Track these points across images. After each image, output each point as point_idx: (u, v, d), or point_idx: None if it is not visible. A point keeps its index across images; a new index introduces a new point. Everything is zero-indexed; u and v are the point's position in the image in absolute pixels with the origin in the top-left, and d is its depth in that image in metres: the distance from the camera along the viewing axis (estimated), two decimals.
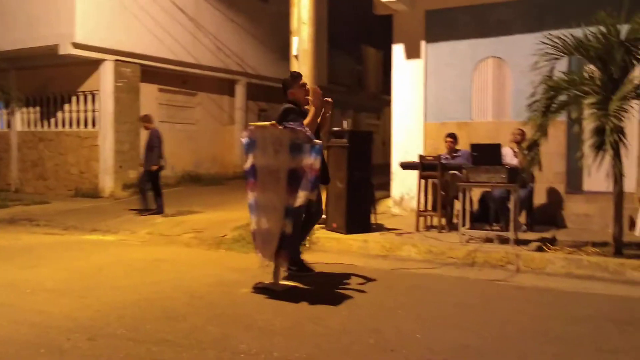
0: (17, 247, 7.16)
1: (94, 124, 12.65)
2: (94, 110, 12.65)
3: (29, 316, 4.20)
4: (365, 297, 4.82)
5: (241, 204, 8.74)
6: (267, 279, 4.96)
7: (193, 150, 14.83)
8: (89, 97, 12.72)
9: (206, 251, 7.03)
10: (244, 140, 4.91)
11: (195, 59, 14.12)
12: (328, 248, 6.96)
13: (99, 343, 3.63)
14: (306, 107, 5.33)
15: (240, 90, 16.10)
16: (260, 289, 4.90)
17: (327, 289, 5.12)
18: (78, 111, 12.89)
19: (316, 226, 7.59)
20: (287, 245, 4.79)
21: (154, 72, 13.38)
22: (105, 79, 12.32)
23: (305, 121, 5.08)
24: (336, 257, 6.48)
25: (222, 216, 8.93)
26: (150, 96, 13.62)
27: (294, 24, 8.55)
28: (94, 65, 12.27)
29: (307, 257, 6.50)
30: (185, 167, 14.40)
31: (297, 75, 5.64)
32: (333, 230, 7.33)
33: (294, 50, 8.58)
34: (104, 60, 12.19)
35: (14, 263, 6.12)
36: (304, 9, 8.30)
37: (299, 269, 5.44)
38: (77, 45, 11.56)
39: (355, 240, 6.94)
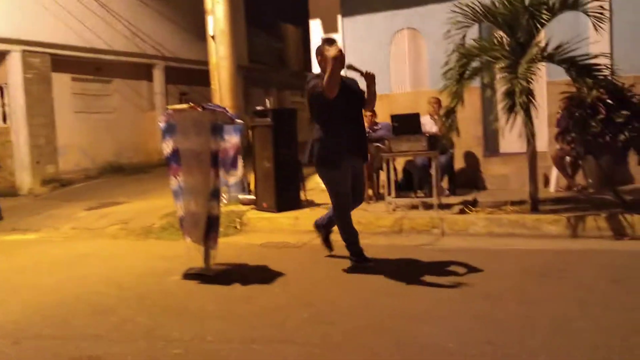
0: None
1: (4, 119, 11.98)
2: (3, 105, 11.97)
3: None
4: (298, 273, 4.87)
5: (167, 191, 8.54)
6: (199, 264, 4.91)
7: (113, 139, 14.32)
8: None
9: (134, 242, 6.86)
10: (161, 124, 4.80)
11: (108, 45, 13.59)
12: (259, 228, 6.95)
13: (25, 345, 3.50)
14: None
15: (158, 75, 15.63)
16: (191, 275, 4.84)
17: (259, 268, 5.12)
18: None
19: (246, 207, 7.62)
20: (215, 227, 4.77)
21: (65, 61, 12.77)
22: (13, 71, 11.67)
23: (323, 80, 4.52)
24: (268, 237, 6.48)
25: (149, 205, 8.73)
26: (63, 86, 13.01)
27: (208, 3, 8.38)
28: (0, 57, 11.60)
29: (239, 238, 6.51)
30: (106, 158, 13.91)
31: (326, 40, 4.88)
32: (264, 209, 7.33)
33: (210, 31, 8.43)
34: (10, 51, 11.52)
35: None
36: None
37: (359, 260, 4.89)
38: None
39: (287, 217, 6.97)
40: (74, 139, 13.14)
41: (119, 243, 6.86)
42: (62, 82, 12.97)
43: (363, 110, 5.08)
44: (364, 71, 4.79)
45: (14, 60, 11.63)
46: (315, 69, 9.28)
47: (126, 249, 6.45)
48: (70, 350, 3.37)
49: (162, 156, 14.98)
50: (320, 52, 4.79)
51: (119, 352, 3.30)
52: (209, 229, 4.78)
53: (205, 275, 4.78)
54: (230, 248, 5.80)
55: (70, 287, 4.79)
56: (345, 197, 4.80)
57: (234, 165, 4.78)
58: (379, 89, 8.64)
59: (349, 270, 4.81)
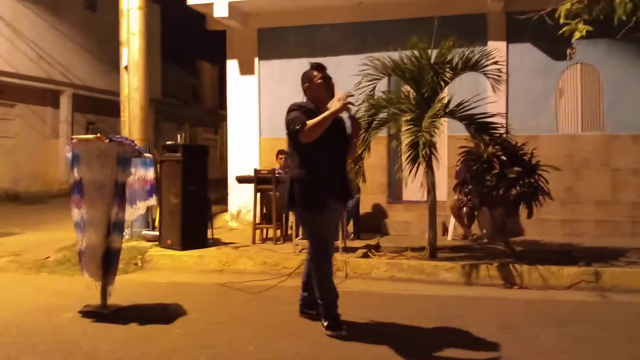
0: None
1: None
2: None
3: None
4: (198, 313, 4.78)
5: (66, 223, 8.17)
6: (95, 301, 4.72)
7: (11, 165, 13.58)
8: None
9: (25, 275, 6.47)
10: (67, 154, 4.65)
11: (13, 68, 13.02)
12: (162, 266, 6.78)
13: None
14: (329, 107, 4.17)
15: (65, 102, 15.11)
16: (86, 312, 4.64)
17: (159, 307, 4.98)
18: None
19: (149, 244, 7.42)
20: (114, 262, 4.63)
21: None
22: None
23: (310, 121, 3.98)
24: (171, 275, 6.34)
25: (45, 237, 8.29)
26: None
27: (124, 35, 8.29)
28: None
29: (140, 276, 6.32)
30: (1, 185, 13.13)
31: (317, 67, 4.37)
32: (167, 247, 7.16)
33: (123, 62, 8.31)
34: None
35: None
36: (134, 20, 8.09)
37: (332, 326, 4.15)
38: None
39: (191, 256, 6.85)
40: None
41: (7, 276, 6.44)
42: None
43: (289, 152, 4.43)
44: (355, 115, 4.31)
45: None
46: (231, 107, 9.39)
47: (15, 283, 6.07)
48: None
49: (63, 186, 14.41)
50: (308, 78, 4.34)
51: None
52: (108, 264, 4.62)
53: (101, 313, 4.60)
54: (130, 286, 5.62)
55: None
56: (327, 246, 4.24)
57: (150, 195, 4.70)
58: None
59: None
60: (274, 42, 9.17)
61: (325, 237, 4.20)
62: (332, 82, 4.29)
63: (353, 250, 6.83)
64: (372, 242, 7.38)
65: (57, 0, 14.50)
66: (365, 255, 6.55)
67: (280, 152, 8.26)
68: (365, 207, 8.42)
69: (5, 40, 12.75)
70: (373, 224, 8.45)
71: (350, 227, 7.83)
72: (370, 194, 8.40)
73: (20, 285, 5.96)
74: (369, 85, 6.62)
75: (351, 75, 6.77)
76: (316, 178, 4.10)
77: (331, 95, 4.22)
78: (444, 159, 7.72)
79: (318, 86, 4.27)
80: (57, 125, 15.02)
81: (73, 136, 5.03)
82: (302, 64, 8.79)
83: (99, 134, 4.71)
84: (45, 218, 10.44)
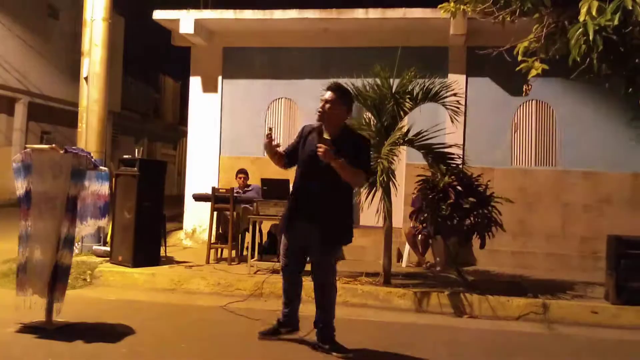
0: None
1: None
2: None
3: None
4: (147, 333, 4.67)
5: (14, 234, 7.89)
6: (40, 316, 4.55)
7: None
8: None
9: None
10: (15, 164, 4.51)
11: None
12: (112, 282, 6.61)
13: None
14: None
15: (20, 110, 14.72)
16: (29, 328, 4.47)
17: (107, 325, 4.85)
18: None
19: (99, 259, 7.23)
20: (63, 278, 4.48)
21: None
22: None
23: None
24: (120, 292, 6.19)
25: None
26: None
27: (86, 45, 8.17)
28: None
29: (88, 292, 6.15)
30: None
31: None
32: (118, 263, 6.99)
33: (84, 73, 8.18)
34: None
35: None
36: (97, 31, 7.99)
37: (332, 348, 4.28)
38: None
39: (142, 273, 6.71)
40: None
41: None
42: None
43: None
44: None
45: None
46: (191, 124, 9.31)
47: None
48: None
49: (13, 195, 13.94)
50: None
51: None
52: (55, 280, 4.48)
53: (45, 329, 4.44)
54: (78, 301, 5.45)
55: None
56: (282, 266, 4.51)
57: (103, 214, 4.58)
58: (254, 151, 8.93)
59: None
60: (238, 62, 9.19)
61: (282, 258, 4.49)
62: (324, 102, 4.16)
63: (309, 273, 6.79)
64: None
65: (18, 6, 14.21)
66: None
67: (239, 171, 8.22)
68: None
69: None
70: None
71: None
72: None
73: None
74: None
75: (315, 99, 6.82)
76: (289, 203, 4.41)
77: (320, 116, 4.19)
78: (401, 186, 7.83)
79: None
80: (11, 133, 14.59)
81: (27, 145, 4.88)
82: (266, 85, 9.02)
83: (54, 144, 4.60)
84: None
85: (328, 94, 4.16)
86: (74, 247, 5.39)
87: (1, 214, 12.01)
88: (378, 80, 6.58)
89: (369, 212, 6.63)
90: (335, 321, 4.41)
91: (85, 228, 4.56)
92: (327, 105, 4.13)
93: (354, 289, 6.24)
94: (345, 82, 6.72)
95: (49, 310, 4.55)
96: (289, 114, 9.06)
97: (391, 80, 6.60)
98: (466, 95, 8.37)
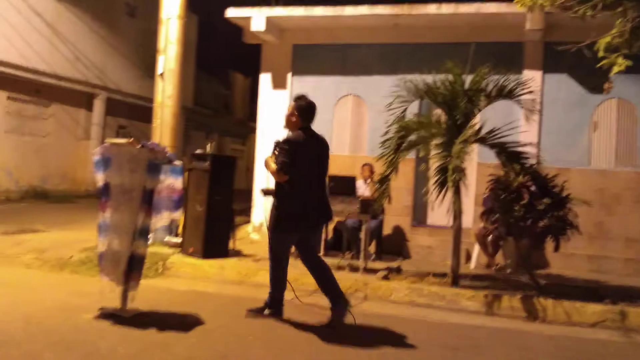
0: None
1: None
2: None
3: None
4: (216, 324, 4.77)
5: (91, 223, 8.22)
6: (115, 303, 4.74)
7: (41, 164, 13.81)
8: None
9: (48, 273, 6.55)
10: (95, 157, 4.70)
11: (51, 68, 13.30)
12: (182, 273, 6.80)
13: None
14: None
15: (99, 105, 15.37)
16: (106, 314, 4.66)
17: (178, 315, 4.99)
18: None
19: (171, 250, 7.45)
20: (138, 268, 4.65)
21: (3, 78, 12.37)
22: None
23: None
24: (190, 283, 6.35)
25: (69, 236, 8.38)
26: None
27: (162, 42, 8.43)
28: None
29: (159, 282, 6.35)
30: (31, 182, 13.36)
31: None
32: (189, 255, 7.18)
33: (159, 69, 8.43)
34: None
35: None
36: (173, 29, 8.22)
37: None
38: None
39: (212, 266, 6.86)
40: (0, 159, 12.60)
41: (31, 273, 6.52)
42: None
43: None
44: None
45: None
46: (261, 119, 9.45)
47: (39, 281, 6.15)
48: None
49: (90, 187, 14.62)
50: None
51: None
52: (130, 269, 4.64)
53: (120, 316, 4.62)
54: (150, 291, 5.63)
55: None
56: None
57: (176, 207, 4.73)
58: None
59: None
60: (308, 59, 9.23)
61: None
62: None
63: (374, 271, 6.76)
64: (394, 264, 7.30)
65: (98, 5, 14.83)
66: (385, 278, 6.49)
67: None
68: (388, 229, 8.37)
69: (45, 40, 13.05)
70: (395, 247, 8.38)
71: (372, 248, 7.77)
72: (394, 215, 8.35)
73: (43, 283, 6.03)
74: (400, 106, 6.60)
75: (383, 96, 6.79)
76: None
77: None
78: (472, 185, 7.65)
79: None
80: (90, 127, 15.27)
81: (106, 139, 5.08)
82: (335, 82, 9.02)
83: (132, 139, 4.76)
84: (71, 217, 10.58)
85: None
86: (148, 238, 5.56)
87: (80, 205, 12.61)
88: (450, 77, 6.43)
89: (437, 211, 6.51)
90: (399, 320, 4.35)
91: (160, 220, 4.72)
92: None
93: (420, 289, 6.16)
94: (415, 78, 6.71)
95: (124, 298, 4.73)
96: (356, 111, 9.02)
97: (464, 76, 6.44)
98: (542, 93, 8.07)
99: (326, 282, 5.00)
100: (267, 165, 4.86)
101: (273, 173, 4.79)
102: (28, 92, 13.48)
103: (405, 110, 6.61)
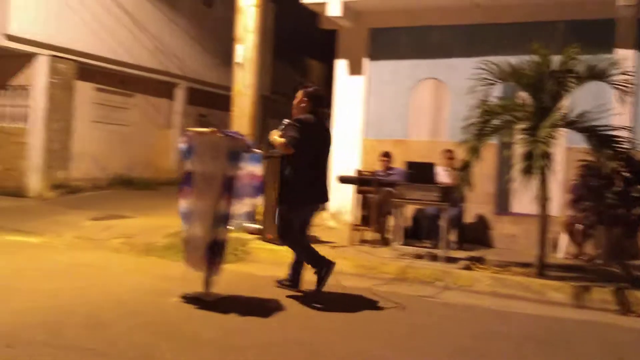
0: None
1: (24, 120, 12.08)
2: (24, 106, 12.09)
3: None
4: (296, 310, 4.81)
5: (174, 210, 8.48)
6: (198, 288, 4.86)
7: (126, 152, 14.38)
8: (21, 92, 12.13)
9: (136, 258, 6.82)
10: (181, 145, 4.82)
11: (134, 60, 13.77)
12: (262, 259, 6.90)
13: (18, 350, 3.45)
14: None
15: (179, 94, 15.81)
16: (190, 298, 4.79)
17: (258, 301, 5.07)
18: (6, 106, 12.28)
19: (250, 236, 7.57)
20: (220, 253, 4.74)
21: (90, 70, 12.94)
22: (39, 74, 11.78)
23: None
24: (270, 269, 6.41)
25: (155, 222, 8.70)
26: (85, 95, 13.14)
27: (240, 31, 8.52)
28: (27, 59, 11.71)
29: (239, 267, 6.47)
30: (116, 170, 13.94)
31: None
32: (268, 241, 7.27)
33: (237, 58, 8.54)
34: (38, 54, 11.66)
35: None
36: (250, 17, 8.29)
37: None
38: (10, 38, 11.02)
39: (290, 251, 6.89)
40: (88, 148, 13.21)
41: (120, 257, 6.82)
42: (84, 90, 13.11)
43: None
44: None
45: (41, 64, 11.76)
46: (337, 106, 9.41)
47: (127, 264, 6.41)
48: None
49: (172, 174, 15.10)
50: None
51: None
52: (213, 255, 4.74)
53: (203, 301, 4.73)
54: (230, 276, 5.72)
55: (68, 296, 4.75)
56: None
57: (256, 193, 4.84)
58: (397, 134, 8.82)
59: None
60: (385, 42, 9.07)
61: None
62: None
63: (454, 260, 6.60)
64: (475, 254, 7.10)
65: None
66: (467, 267, 6.32)
67: (383, 154, 8.16)
68: (469, 217, 8.12)
69: (128, 33, 13.52)
70: (476, 235, 8.13)
71: (453, 237, 7.58)
72: (475, 203, 8.08)
73: (131, 267, 6.29)
74: (483, 90, 6.35)
75: (464, 79, 6.57)
76: None
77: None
78: (559, 171, 7.29)
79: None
80: (171, 116, 15.75)
81: (189, 128, 5.21)
82: (412, 65, 8.82)
83: (214, 127, 4.83)
84: (155, 203, 10.98)
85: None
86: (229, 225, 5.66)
87: (162, 192, 13.07)
88: (536, 58, 6.12)
89: (523, 198, 6.24)
90: (482, 310, 4.25)
91: (242, 207, 4.77)
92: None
93: (503, 279, 5.95)
94: (498, 59, 6.44)
95: (206, 283, 4.84)
96: (435, 94, 8.79)
97: (550, 57, 6.12)
98: (636, 73, 7.54)
99: (311, 258, 5.36)
100: (271, 138, 5.10)
101: (280, 145, 5.01)
102: (113, 84, 14.03)
103: (488, 93, 6.36)
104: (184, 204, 4.82)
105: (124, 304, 4.61)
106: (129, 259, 6.75)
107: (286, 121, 5.15)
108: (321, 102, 5.34)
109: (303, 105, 5.24)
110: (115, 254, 7.00)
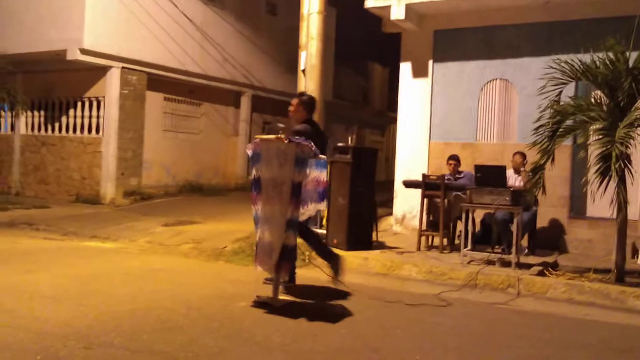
0: (16, 251, 7.12)
1: (97, 130, 12.65)
2: (98, 117, 12.66)
3: (25, 322, 4.16)
4: (364, 316, 4.77)
5: (242, 215, 8.71)
6: (267, 292, 4.92)
7: (195, 159, 14.81)
8: (94, 103, 12.73)
9: (205, 262, 6.99)
10: (249, 152, 4.91)
11: (202, 69, 14.16)
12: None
13: (96, 352, 3.59)
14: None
15: (245, 102, 16.12)
16: (259, 303, 4.85)
17: (326, 305, 5.07)
18: (82, 117, 12.89)
19: None
20: (290, 258, 4.78)
21: (160, 80, 13.41)
22: (111, 86, 12.34)
23: None
24: None
25: (223, 227, 8.89)
26: (155, 104, 13.64)
27: (303, 38, 8.59)
28: (100, 71, 12.30)
29: (307, 273, 6.49)
30: (186, 177, 14.38)
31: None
32: (333, 246, 7.26)
33: (301, 65, 8.61)
34: (110, 67, 12.21)
35: (12, 267, 6.08)
36: (313, 24, 8.33)
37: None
38: (84, 51, 11.59)
39: (356, 257, 6.89)
40: (159, 156, 13.70)
41: (190, 262, 7.00)
42: (154, 100, 13.60)
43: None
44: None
45: (113, 76, 12.30)
46: (401, 109, 9.32)
47: (197, 269, 6.57)
48: None
49: (239, 180, 15.39)
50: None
51: None
52: (282, 259, 4.78)
53: (271, 305, 4.78)
54: (298, 281, 5.78)
55: (142, 300, 4.91)
56: None
57: (322, 199, 4.86)
58: (465, 136, 8.65)
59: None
60: (450, 44, 8.92)
61: None
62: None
63: (527, 266, 6.39)
64: (549, 259, 6.85)
65: (241, 6, 15.52)
66: (541, 273, 6.10)
67: (451, 157, 8.01)
68: (542, 221, 7.82)
69: (196, 44, 13.93)
70: (549, 240, 7.83)
71: (525, 242, 7.34)
72: (549, 207, 7.79)
73: (201, 272, 6.44)
74: (554, 89, 6.14)
75: (534, 79, 6.38)
76: None
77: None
78: (639, 173, 6.92)
79: None
80: (237, 124, 16.09)
81: (256, 136, 5.30)
82: (479, 66, 8.64)
83: (280, 135, 4.88)
84: (223, 209, 11.22)
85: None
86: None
87: (230, 198, 13.35)
88: (611, 55, 5.86)
89: (599, 202, 5.96)
90: (557, 318, 4.10)
91: (307, 211, 4.81)
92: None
93: (580, 286, 5.71)
94: (570, 58, 6.21)
95: (276, 288, 4.88)
96: (504, 95, 8.56)
97: (627, 54, 5.84)
98: None
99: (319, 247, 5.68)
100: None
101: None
102: (182, 93, 14.48)
103: (560, 93, 6.14)
104: (254, 209, 4.91)
105: (195, 308, 4.71)
106: (198, 263, 6.92)
107: (281, 125, 5.44)
108: (315, 108, 5.79)
109: (299, 113, 5.61)
110: (185, 258, 7.19)
